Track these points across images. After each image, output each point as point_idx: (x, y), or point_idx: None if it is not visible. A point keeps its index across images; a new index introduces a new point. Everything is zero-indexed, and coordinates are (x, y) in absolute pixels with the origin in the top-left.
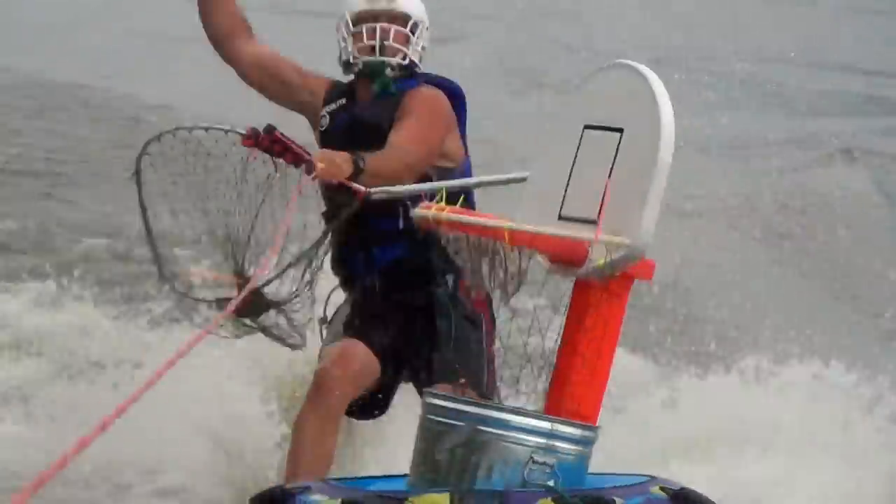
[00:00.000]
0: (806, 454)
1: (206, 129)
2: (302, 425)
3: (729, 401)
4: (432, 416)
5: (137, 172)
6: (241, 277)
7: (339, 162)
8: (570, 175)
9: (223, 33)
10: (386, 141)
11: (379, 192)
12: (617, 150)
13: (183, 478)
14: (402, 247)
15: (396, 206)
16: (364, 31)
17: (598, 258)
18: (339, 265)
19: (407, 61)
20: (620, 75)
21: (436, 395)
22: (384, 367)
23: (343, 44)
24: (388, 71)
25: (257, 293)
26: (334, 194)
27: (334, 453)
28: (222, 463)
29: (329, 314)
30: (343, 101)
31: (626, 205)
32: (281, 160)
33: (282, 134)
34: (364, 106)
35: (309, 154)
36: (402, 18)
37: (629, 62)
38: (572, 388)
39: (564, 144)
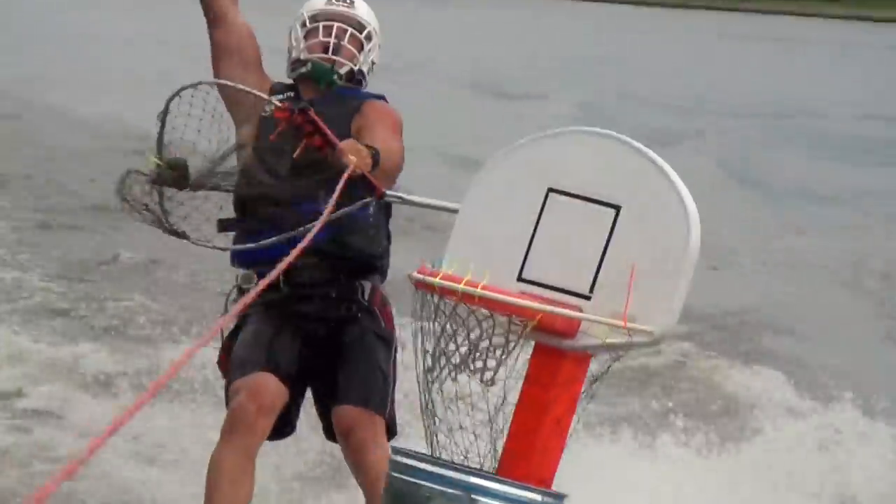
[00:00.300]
0: None
1: (247, 92)
2: (219, 464)
3: None
4: (409, 479)
5: (165, 111)
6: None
7: (364, 154)
8: (531, 238)
9: None
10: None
11: (394, 196)
12: (613, 227)
13: None
14: (327, 232)
15: (318, 191)
16: (320, 28)
17: (604, 336)
18: (249, 250)
19: (357, 68)
20: (605, 146)
21: (410, 455)
22: (293, 392)
23: (295, 43)
24: (335, 77)
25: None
26: (257, 178)
27: (253, 492)
28: None
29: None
30: (291, 94)
31: (643, 290)
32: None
33: (315, 116)
34: (318, 102)
35: (337, 142)
36: (357, 25)
37: (624, 137)
38: (545, 453)
39: (518, 202)
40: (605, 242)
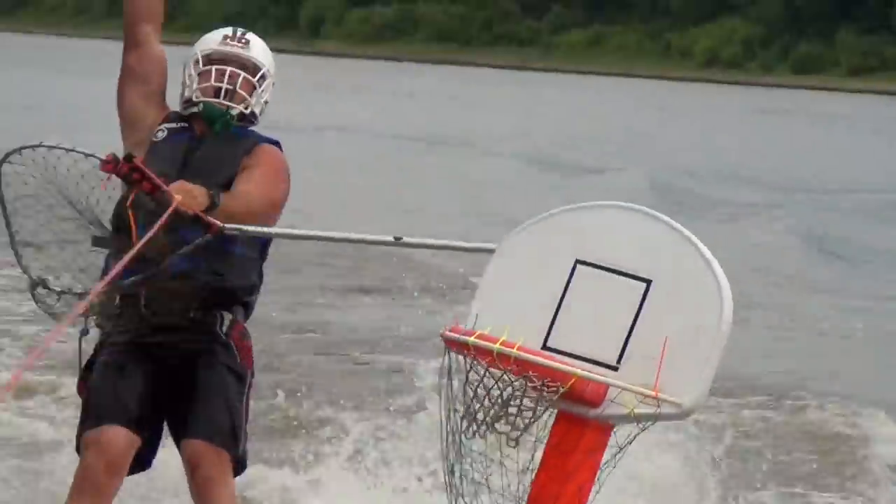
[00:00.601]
0: None
1: (68, 150)
2: None
3: None
4: None
5: None
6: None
7: (195, 194)
8: (557, 308)
9: (144, 14)
10: (218, 175)
11: (233, 228)
12: (643, 300)
13: None
14: (198, 262)
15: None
16: (213, 71)
17: (632, 406)
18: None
19: (248, 111)
20: (638, 221)
21: None
22: (146, 432)
23: (188, 81)
24: (228, 118)
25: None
26: (126, 209)
27: None
28: None
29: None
30: (185, 124)
31: (673, 363)
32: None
33: (141, 163)
34: (211, 140)
35: (165, 185)
36: (252, 67)
37: (658, 214)
38: None
39: (547, 270)
40: (634, 315)
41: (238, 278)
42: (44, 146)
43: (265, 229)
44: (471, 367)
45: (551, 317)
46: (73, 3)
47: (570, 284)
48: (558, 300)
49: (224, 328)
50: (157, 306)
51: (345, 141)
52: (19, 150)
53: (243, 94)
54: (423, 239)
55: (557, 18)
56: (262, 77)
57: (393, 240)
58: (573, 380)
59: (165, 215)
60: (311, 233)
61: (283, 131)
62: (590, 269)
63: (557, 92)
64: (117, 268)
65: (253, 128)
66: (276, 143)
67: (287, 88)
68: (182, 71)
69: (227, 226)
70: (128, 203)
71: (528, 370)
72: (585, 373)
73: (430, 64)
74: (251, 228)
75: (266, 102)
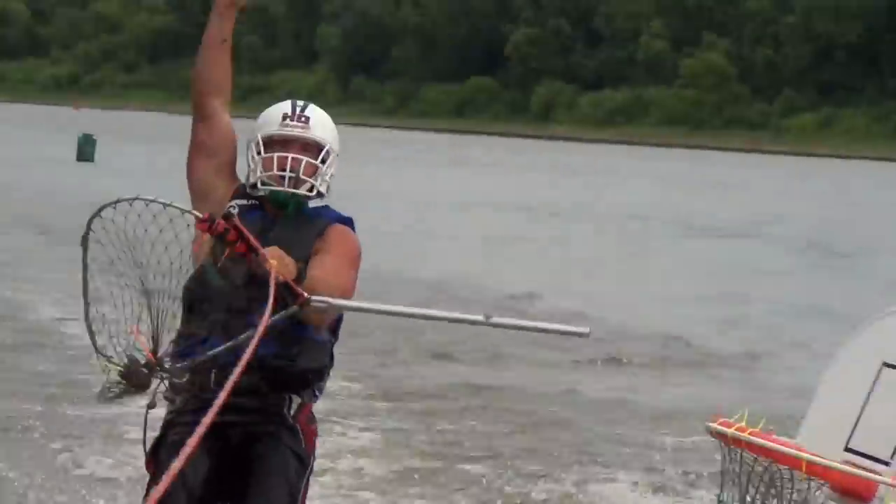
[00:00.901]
0: None
1: (166, 205)
2: None
3: None
4: None
5: (86, 234)
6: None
7: (287, 262)
8: (861, 409)
9: (213, 88)
10: (292, 256)
11: (319, 300)
12: None
13: None
14: (273, 346)
15: (281, 302)
16: (275, 158)
17: (888, 499)
18: (193, 351)
19: (314, 193)
20: None
21: None
22: None
23: (252, 165)
24: (298, 200)
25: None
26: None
27: None
28: None
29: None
30: (255, 202)
31: None
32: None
33: (239, 222)
34: (280, 218)
35: (261, 247)
36: (315, 147)
37: None
38: None
39: (856, 376)
40: None
41: (310, 362)
42: (141, 199)
43: (352, 303)
44: (730, 455)
45: (855, 419)
46: (307, 91)
47: (875, 386)
48: (862, 402)
49: (292, 411)
50: (224, 383)
51: (587, 223)
52: (114, 203)
53: (307, 178)
54: (514, 319)
55: (788, 101)
56: (327, 153)
57: (483, 319)
58: (802, 464)
59: (272, 289)
60: (399, 308)
61: (522, 211)
62: (891, 370)
63: (787, 174)
64: (250, 349)
65: (325, 202)
66: (349, 221)
67: (519, 172)
68: (246, 150)
69: (314, 297)
70: (217, 266)
71: (781, 461)
72: (814, 458)
73: (661, 147)
74: (338, 301)
75: (332, 176)
